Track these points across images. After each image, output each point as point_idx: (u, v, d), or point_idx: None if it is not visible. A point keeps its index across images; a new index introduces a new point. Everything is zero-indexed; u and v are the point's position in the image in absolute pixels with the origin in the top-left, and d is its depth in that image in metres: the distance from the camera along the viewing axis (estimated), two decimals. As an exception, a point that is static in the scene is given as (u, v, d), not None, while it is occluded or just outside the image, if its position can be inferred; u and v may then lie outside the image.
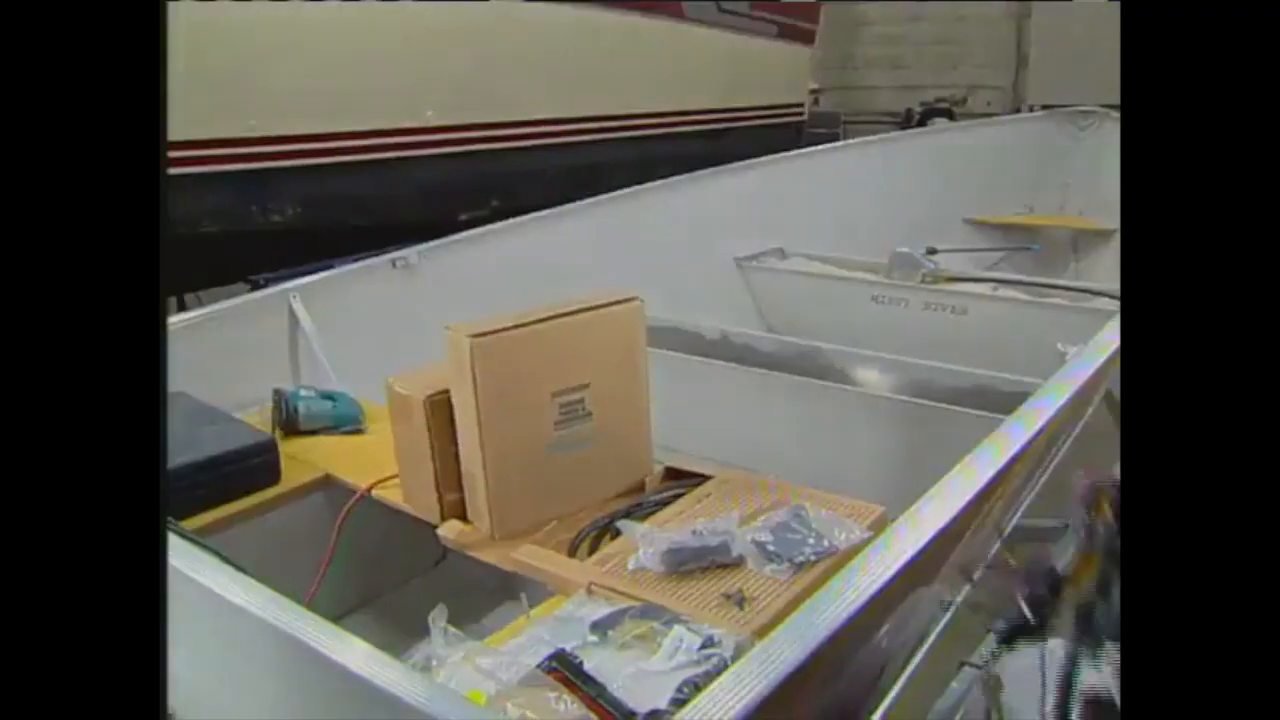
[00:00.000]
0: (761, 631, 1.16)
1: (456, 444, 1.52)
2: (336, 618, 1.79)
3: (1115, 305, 2.73)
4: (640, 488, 1.61)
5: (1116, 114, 4.69)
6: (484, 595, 1.78)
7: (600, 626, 1.18)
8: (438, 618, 1.17)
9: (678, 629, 1.15)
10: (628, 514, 1.51)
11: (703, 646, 1.12)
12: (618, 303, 1.55)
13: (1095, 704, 0.92)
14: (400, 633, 1.60)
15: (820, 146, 4.69)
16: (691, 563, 1.32)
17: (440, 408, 1.52)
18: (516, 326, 1.46)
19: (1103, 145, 4.53)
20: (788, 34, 7.03)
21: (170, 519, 1.17)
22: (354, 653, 1.06)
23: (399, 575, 1.97)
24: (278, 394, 1.96)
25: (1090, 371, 1.75)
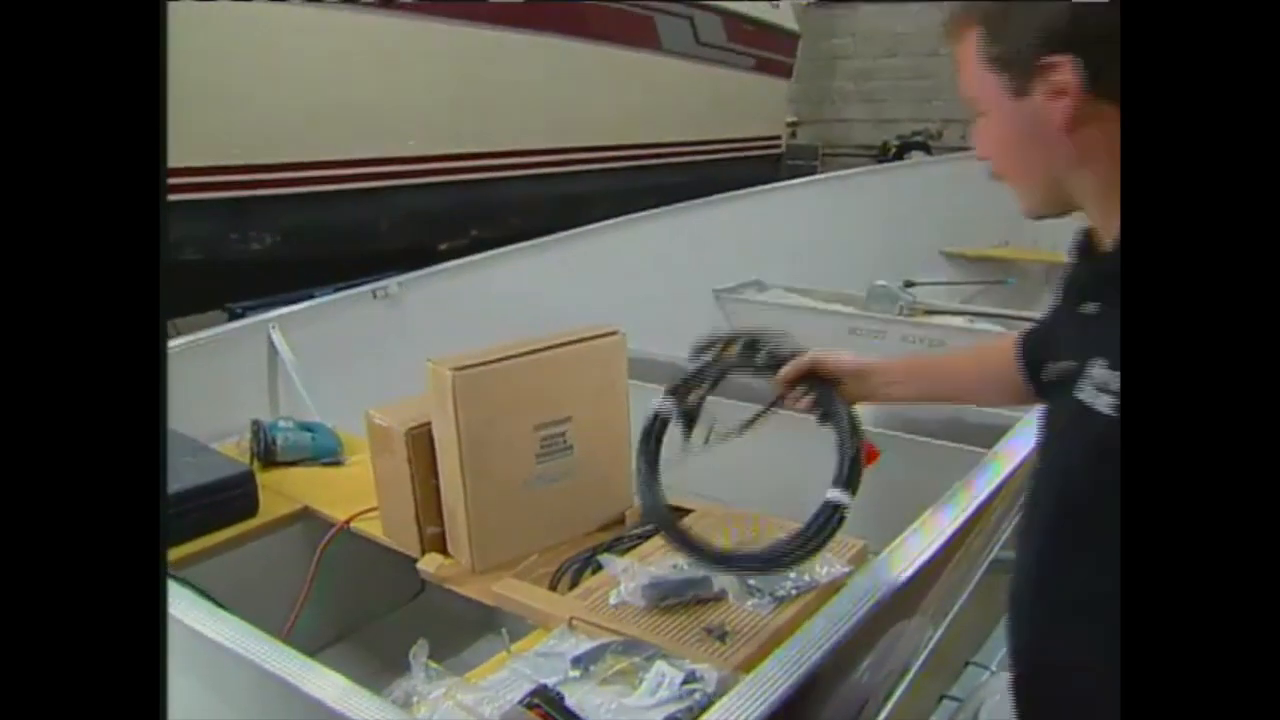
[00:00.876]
0: (743, 666, 1.16)
1: (437, 477, 1.51)
2: (314, 651, 1.78)
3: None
4: (621, 521, 1.61)
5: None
6: (464, 629, 1.77)
7: (582, 661, 1.18)
8: (419, 653, 1.16)
9: (659, 664, 1.14)
10: (609, 548, 1.51)
11: (685, 682, 1.11)
12: (600, 336, 1.56)
13: None
14: (379, 667, 1.59)
15: (798, 179, 4.73)
16: (673, 597, 1.32)
17: (421, 440, 1.51)
18: (499, 360, 1.46)
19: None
20: (765, 67, 7.11)
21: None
22: (332, 687, 1.06)
23: (378, 608, 1.96)
24: (256, 425, 1.95)
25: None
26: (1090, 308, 0.92)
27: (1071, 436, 0.90)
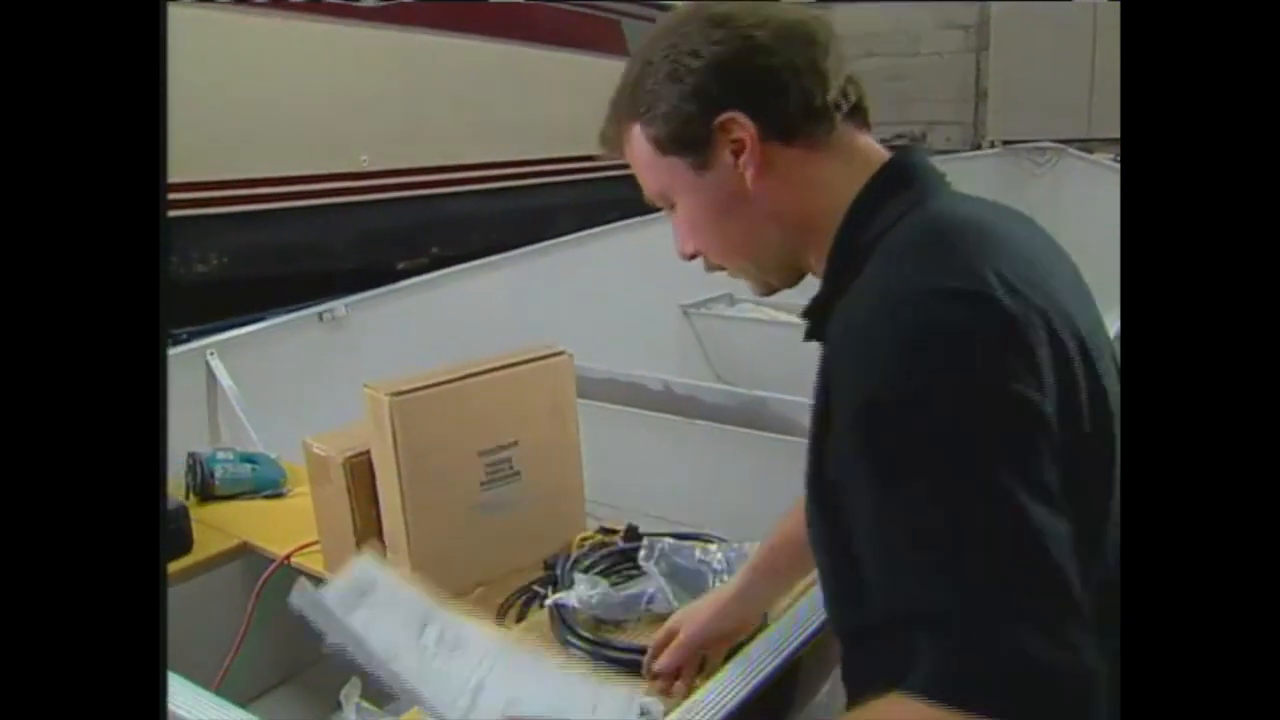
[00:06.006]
0: (694, 697, 1.17)
1: (378, 506, 1.52)
2: (255, 697, 1.77)
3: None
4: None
5: (1073, 151, 4.82)
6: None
7: (524, 696, 1.18)
8: (350, 692, 1.17)
9: (606, 697, 1.15)
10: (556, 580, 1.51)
11: (631, 715, 1.12)
12: (545, 356, 1.57)
13: None
14: (324, 710, 1.59)
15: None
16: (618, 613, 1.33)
17: (360, 468, 1.52)
18: (438, 384, 1.47)
19: (1059, 182, 4.64)
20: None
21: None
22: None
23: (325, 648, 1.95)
24: (192, 457, 1.95)
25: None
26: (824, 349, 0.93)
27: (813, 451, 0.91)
